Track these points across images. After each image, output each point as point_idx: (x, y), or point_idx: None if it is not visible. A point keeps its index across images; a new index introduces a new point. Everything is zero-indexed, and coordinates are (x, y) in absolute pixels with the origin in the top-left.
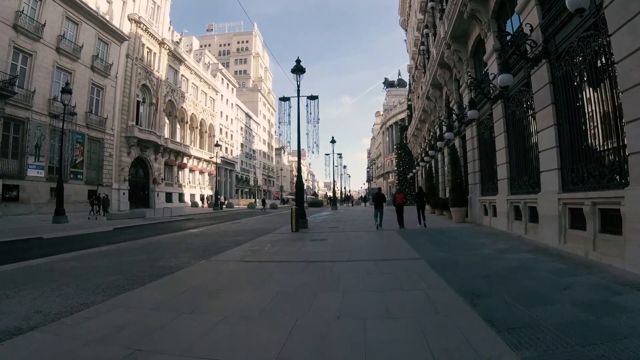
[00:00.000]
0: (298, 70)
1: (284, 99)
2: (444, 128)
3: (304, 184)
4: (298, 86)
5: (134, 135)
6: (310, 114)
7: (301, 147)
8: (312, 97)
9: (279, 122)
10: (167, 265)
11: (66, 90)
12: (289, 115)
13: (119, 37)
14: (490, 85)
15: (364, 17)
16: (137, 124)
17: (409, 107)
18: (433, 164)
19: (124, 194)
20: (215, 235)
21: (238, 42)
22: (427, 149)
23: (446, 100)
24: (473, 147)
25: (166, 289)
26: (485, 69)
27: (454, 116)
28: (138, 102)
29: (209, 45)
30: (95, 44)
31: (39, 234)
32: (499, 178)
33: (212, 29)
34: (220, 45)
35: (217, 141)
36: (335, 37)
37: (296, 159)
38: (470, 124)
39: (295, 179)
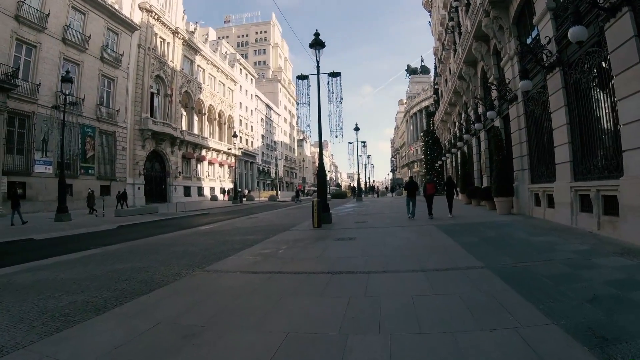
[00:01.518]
0: (317, 44)
1: (302, 77)
2: (480, 109)
3: (326, 174)
4: (318, 62)
5: (148, 128)
6: (332, 92)
7: (323, 136)
8: (334, 74)
9: (297, 104)
10: (149, 278)
11: (66, 79)
12: (308, 95)
13: (130, 26)
14: (544, 51)
15: (384, 5)
16: (151, 116)
17: (436, 92)
18: (466, 150)
19: (139, 188)
20: (225, 233)
21: (256, 33)
22: (458, 134)
23: (482, 78)
24: (519, 128)
25: (125, 324)
26: (533, 35)
27: (494, 93)
28: (152, 93)
29: (227, 37)
30: (105, 34)
31: (33, 234)
32: (557, 162)
33: (229, 20)
34: (238, 37)
35: (234, 132)
36: (355, 27)
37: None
38: (515, 101)
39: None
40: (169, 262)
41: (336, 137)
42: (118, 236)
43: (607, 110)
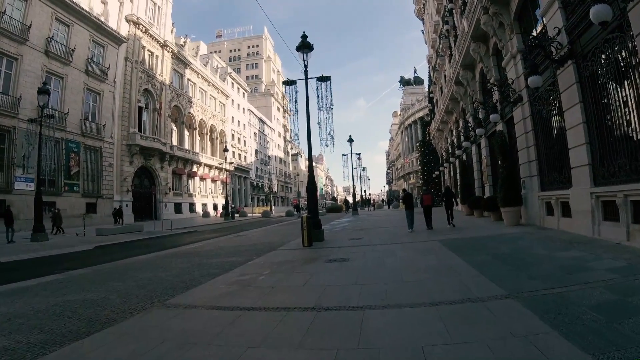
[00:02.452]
0: (304, 47)
1: (289, 82)
2: (480, 114)
3: (317, 186)
4: (305, 66)
5: (135, 143)
6: (322, 99)
7: (315, 147)
8: (323, 78)
9: (291, 115)
10: (96, 315)
11: (42, 91)
12: (296, 102)
13: (116, 39)
14: (553, 44)
15: (378, 19)
16: (140, 131)
17: (430, 101)
18: (465, 159)
19: (127, 205)
20: (205, 254)
21: (248, 47)
22: (456, 142)
23: (481, 82)
24: (525, 131)
25: None
26: (538, 30)
27: (496, 96)
28: (140, 107)
29: (219, 51)
30: (90, 46)
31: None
32: (572, 165)
33: (221, 35)
34: (230, 51)
35: (225, 146)
36: (348, 41)
37: (314, 164)
38: (520, 103)
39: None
40: (129, 292)
41: (327, 146)
42: (90, 258)
43: (634, 104)
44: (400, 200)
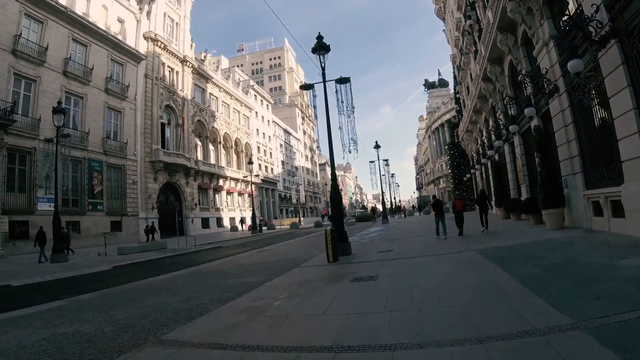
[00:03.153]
0: (320, 48)
1: (306, 86)
2: (511, 110)
3: (341, 195)
4: (323, 69)
5: (159, 160)
6: (342, 102)
7: (341, 155)
8: (343, 80)
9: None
10: (78, 355)
11: (58, 110)
12: (315, 107)
13: (135, 57)
14: (592, 22)
15: (399, 26)
16: (163, 147)
17: (457, 101)
18: (497, 159)
19: (152, 223)
20: (222, 274)
21: (270, 59)
22: (487, 143)
23: (511, 76)
24: (565, 124)
25: None
26: (570, 11)
27: (527, 90)
28: (163, 124)
29: (241, 65)
30: (109, 65)
31: (15, 279)
32: (623, 158)
33: (242, 49)
34: (252, 64)
35: (250, 158)
36: (371, 51)
37: (342, 172)
38: (557, 93)
39: (341, 192)
40: (128, 323)
41: (349, 152)
42: (104, 280)
43: None
44: (430, 207)
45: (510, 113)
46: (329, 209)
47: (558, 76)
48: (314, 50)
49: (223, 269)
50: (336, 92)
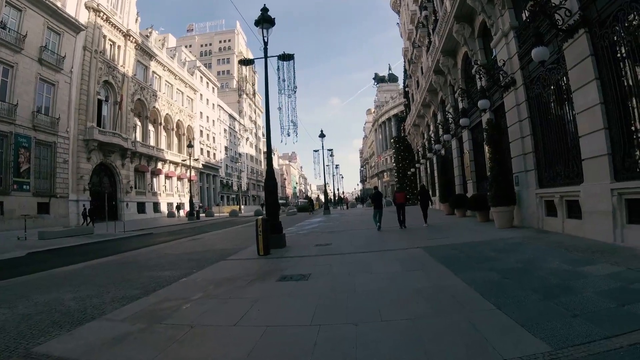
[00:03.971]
0: (265, 21)
1: (246, 61)
2: (462, 104)
3: (276, 182)
4: (265, 43)
5: (93, 138)
6: (284, 80)
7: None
8: (286, 57)
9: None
10: None
11: None
12: (253, 85)
13: (74, 26)
14: (559, 11)
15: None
16: (99, 125)
17: (406, 95)
18: (444, 154)
19: (83, 205)
20: (140, 265)
21: (220, 42)
22: (434, 137)
23: (464, 68)
24: (519, 119)
25: None
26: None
27: (481, 82)
28: (100, 100)
29: (190, 46)
30: (44, 33)
31: None
32: (585, 156)
33: (192, 29)
34: (201, 46)
35: (190, 141)
36: (326, 40)
37: (287, 161)
38: (513, 87)
39: (285, 182)
40: (4, 327)
41: (288, 135)
42: (9, 269)
43: None
44: (370, 199)
45: (462, 106)
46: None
47: (516, 69)
48: (257, 23)
49: (144, 259)
50: (278, 69)
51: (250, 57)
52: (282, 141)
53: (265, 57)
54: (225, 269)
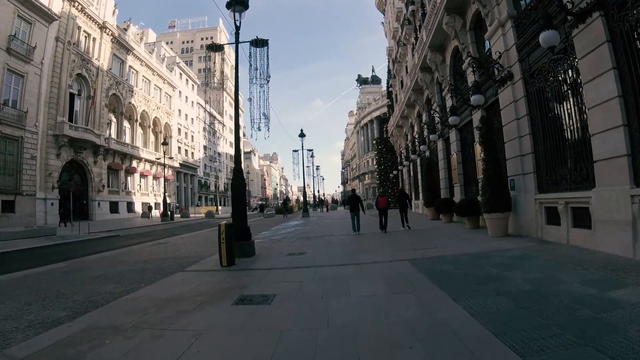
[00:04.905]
0: (237, 3)
1: (215, 46)
2: (450, 102)
3: (245, 182)
4: (237, 27)
5: (64, 134)
6: (256, 69)
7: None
8: (259, 42)
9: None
10: None
11: None
12: (222, 72)
13: (47, 16)
14: None
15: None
16: (71, 120)
17: (389, 95)
18: (429, 156)
19: (52, 204)
20: (83, 276)
21: (202, 39)
22: (418, 139)
23: (453, 64)
24: (517, 117)
25: None
26: None
27: (473, 76)
28: (72, 94)
29: (171, 42)
30: (14, 21)
31: None
32: (597, 158)
33: (174, 25)
34: (183, 42)
35: (165, 139)
36: (308, 42)
37: (267, 162)
38: (510, 81)
39: (266, 183)
40: None
41: (259, 129)
42: None
43: None
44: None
45: (450, 104)
46: (250, 199)
47: (514, 61)
48: (228, 5)
49: (93, 267)
50: (250, 56)
51: (233, 55)
52: (252, 136)
53: (237, 42)
54: (178, 284)
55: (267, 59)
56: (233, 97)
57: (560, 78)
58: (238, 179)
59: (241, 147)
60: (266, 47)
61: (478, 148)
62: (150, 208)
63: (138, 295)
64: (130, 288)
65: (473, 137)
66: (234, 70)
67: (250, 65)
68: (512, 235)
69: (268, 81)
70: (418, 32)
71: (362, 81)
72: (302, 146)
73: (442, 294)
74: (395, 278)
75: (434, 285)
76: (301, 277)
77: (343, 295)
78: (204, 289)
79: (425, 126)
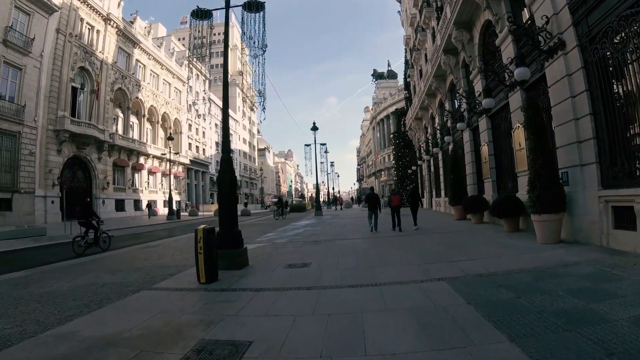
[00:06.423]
0: None
1: (201, 12)
2: (479, 84)
3: (234, 176)
4: None
5: (65, 129)
6: (250, 38)
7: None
8: (253, 6)
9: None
10: None
11: None
12: (211, 44)
13: (46, 6)
14: None
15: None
16: (73, 115)
17: (407, 87)
18: (452, 148)
19: (52, 202)
20: (24, 293)
21: (214, 34)
22: (439, 130)
23: (483, 42)
24: (572, 94)
25: None
26: None
27: (509, 49)
28: (75, 88)
29: (183, 38)
30: (12, 12)
31: None
32: None
33: (186, 21)
34: (195, 38)
35: (170, 134)
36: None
37: (283, 159)
38: (562, 51)
39: (280, 180)
40: None
41: (252, 109)
42: None
43: None
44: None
45: (483, 86)
46: (263, 196)
47: (566, 26)
48: None
49: (51, 279)
50: (242, 22)
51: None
52: (243, 114)
53: (227, 7)
54: (128, 311)
55: (264, 25)
56: (245, 94)
57: (636, 42)
58: (225, 171)
59: (232, 130)
60: (262, 11)
61: (518, 136)
62: (149, 205)
63: (64, 330)
64: (65, 316)
65: (509, 124)
66: (247, 66)
67: (244, 33)
68: (566, 241)
69: (264, 51)
70: (440, 13)
71: (377, 76)
72: (315, 140)
73: (517, 351)
74: (432, 314)
75: (499, 333)
76: (297, 308)
77: (355, 345)
78: (156, 323)
79: (449, 115)
